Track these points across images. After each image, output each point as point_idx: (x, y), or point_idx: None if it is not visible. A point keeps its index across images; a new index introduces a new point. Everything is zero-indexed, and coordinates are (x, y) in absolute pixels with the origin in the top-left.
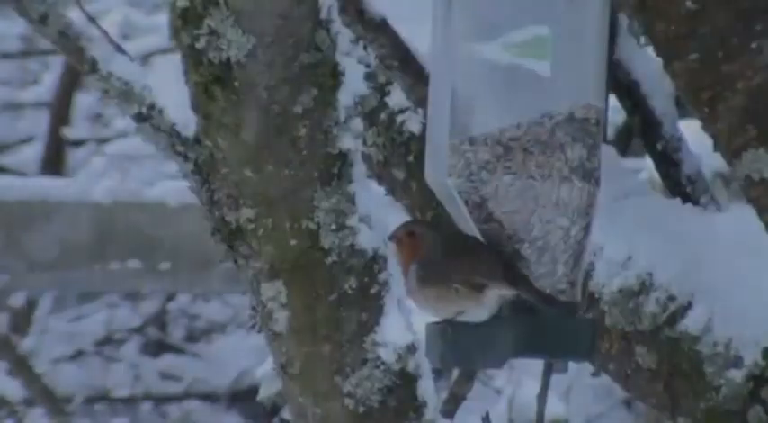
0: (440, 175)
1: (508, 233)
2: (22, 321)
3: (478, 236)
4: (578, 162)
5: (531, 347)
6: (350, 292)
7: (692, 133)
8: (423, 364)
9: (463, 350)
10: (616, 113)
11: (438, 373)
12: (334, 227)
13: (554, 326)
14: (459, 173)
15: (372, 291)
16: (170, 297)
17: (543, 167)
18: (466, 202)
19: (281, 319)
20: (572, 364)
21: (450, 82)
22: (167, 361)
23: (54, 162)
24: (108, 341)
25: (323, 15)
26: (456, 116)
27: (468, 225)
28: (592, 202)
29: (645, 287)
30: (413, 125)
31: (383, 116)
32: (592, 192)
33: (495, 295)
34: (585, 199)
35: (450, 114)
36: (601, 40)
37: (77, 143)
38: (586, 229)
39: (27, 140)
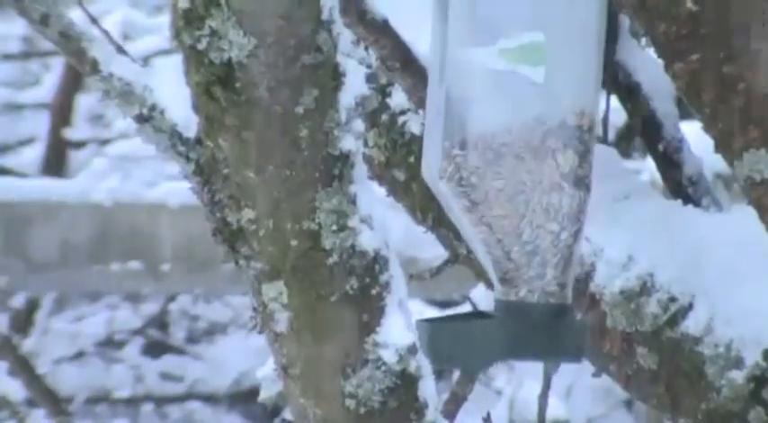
0: (433, 176)
1: (498, 237)
2: (22, 322)
3: (470, 237)
4: (569, 169)
5: (520, 349)
6: (351, 292)
7: (694, 134)
8: (424, 364)
9: (449, 350)
10: (617, 114)
11: (439, 374)
12: (335, 228)
13: (543, 327)
14: (449, 176)
15: (374, 292)
16: (171, 298)
17: (533, 173)
18: (457, 206)
19: (282, 319)
20: (573, 365)
21: (445, 84)
22: (168, 362)
23: (55, 163)
24: (109, 342)
25: (324, 16)
26: (449, 119)
27: (459, 226)
28: (582, 208)
29: (646, 288)
30: (414, 126)
31: (384, 117)
32: (583, 198)
33: None
34: (576, 205)
35: (444, 117)
36: (597, 45)
37: (78, 144)
38: (577, 234)
39: (28, 141)
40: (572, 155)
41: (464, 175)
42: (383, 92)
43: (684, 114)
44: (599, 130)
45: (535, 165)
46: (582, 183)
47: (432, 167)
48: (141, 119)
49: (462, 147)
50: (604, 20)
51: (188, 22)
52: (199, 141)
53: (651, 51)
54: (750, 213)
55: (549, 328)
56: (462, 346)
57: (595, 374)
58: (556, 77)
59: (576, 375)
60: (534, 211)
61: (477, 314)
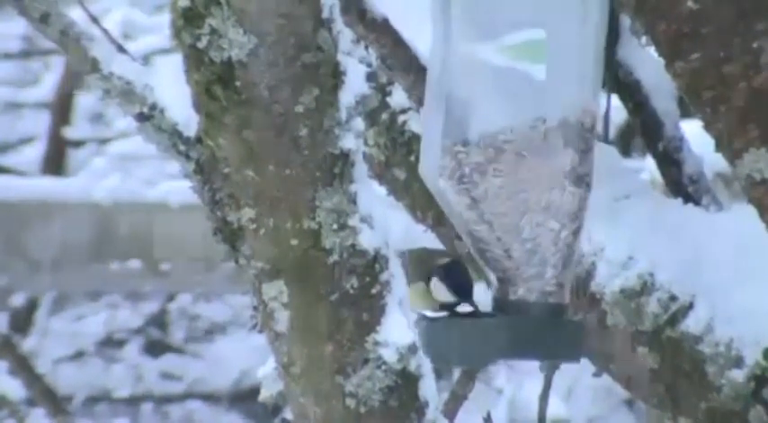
0: (432, 173)
1: (498, 235)
2: (22, 322)
3: (468, 236)
4: (570, 167)
5: (519, 348)
6: (351, 291)
7: (694, 133)
8: (424, 363)
9: (448, 348)
10: (618, 113)
11: (439, 373)
12: (335, 227)
13: (541, 326)
14: (450, 174)
15: (374, 291)
16: (171, 297)
17: (534, 171)
18: (457, 204)
19: (283, 319)
20: (573, 365)
21: (446, 82)
22: (168, 361)
23: (55, 162)
24: (109, 341)
25: (324, 15)
26: (450, 117)
27: (459, 224)
28: (583, 206)
29: (646, 287)
30: (414, 125)
31: (384, 116)
32: (583, 196)
33: None
34: (577, 203)
35: (444, 115)
36: (597, 44)
37: (78, 143)
38: (576, 233)
39: (28, 140)
40: (573, 153)
41: (465, 172)
42: (383, 91)
43: (685, 113)
44: (598, 129)
45: (536, 162)
46: (582, 181)
47: (430, 166)
48: (142, 118)
49: (463, 144)
50: (606, 17)
51: (188, 20)
52: (199, 140)
53: (651, 50)
54: (750, 212)
55: (547, 327)
56: (462, 344)
57: (596, 374)
58: (557, 75)
59: (577, 375)
60: (534, 209)
61: (477, 313)
